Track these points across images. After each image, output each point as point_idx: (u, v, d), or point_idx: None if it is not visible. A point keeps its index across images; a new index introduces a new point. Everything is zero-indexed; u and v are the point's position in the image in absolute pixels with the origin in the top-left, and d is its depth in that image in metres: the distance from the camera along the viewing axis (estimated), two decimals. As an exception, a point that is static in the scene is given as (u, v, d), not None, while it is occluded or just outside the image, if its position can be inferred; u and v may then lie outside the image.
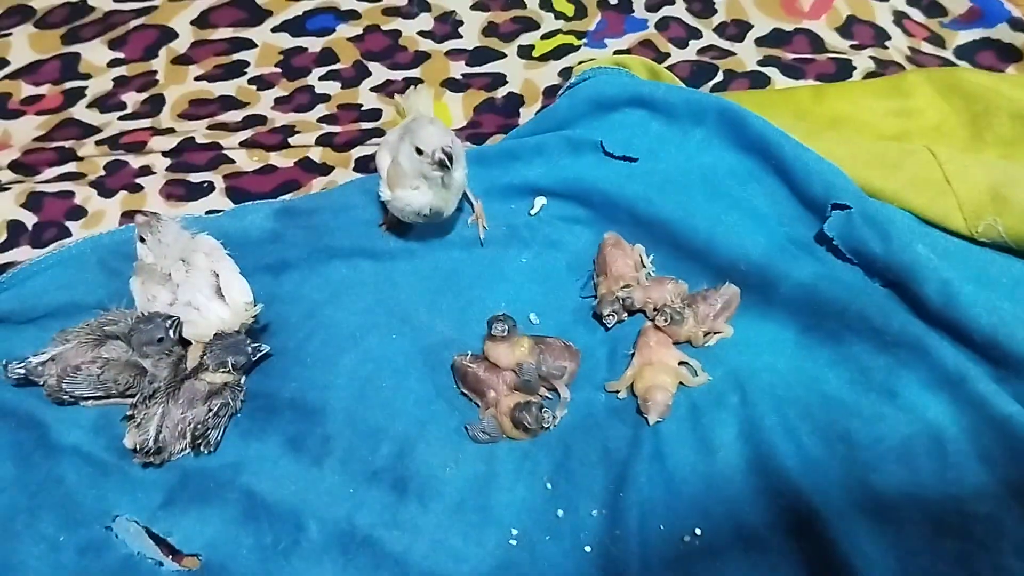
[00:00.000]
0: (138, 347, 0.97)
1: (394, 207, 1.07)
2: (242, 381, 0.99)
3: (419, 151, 1.01)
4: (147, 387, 0.97)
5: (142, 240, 1.01)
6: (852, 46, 1.41)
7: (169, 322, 0.97)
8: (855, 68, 1.36)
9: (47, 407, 0.98)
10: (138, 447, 0.92)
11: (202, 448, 0.95)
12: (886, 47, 1.40)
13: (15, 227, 1.18)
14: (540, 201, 1.18)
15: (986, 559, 0.84)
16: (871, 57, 1.37)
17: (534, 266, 1.12)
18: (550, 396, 1.00)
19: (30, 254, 1.15)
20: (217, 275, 1.00)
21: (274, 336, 1.04)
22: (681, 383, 0.99)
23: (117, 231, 1.15)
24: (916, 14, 1.44)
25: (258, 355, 0.99)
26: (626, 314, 1.05)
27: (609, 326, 1.05)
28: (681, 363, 1.00)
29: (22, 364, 0.96)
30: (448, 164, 1.00)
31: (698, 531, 0.88)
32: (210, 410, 0.95)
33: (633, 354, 1.01)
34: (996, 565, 0.83)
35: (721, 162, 1.17)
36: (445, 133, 1.03)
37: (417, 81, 1.37)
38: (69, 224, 1.19)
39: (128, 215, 1.19)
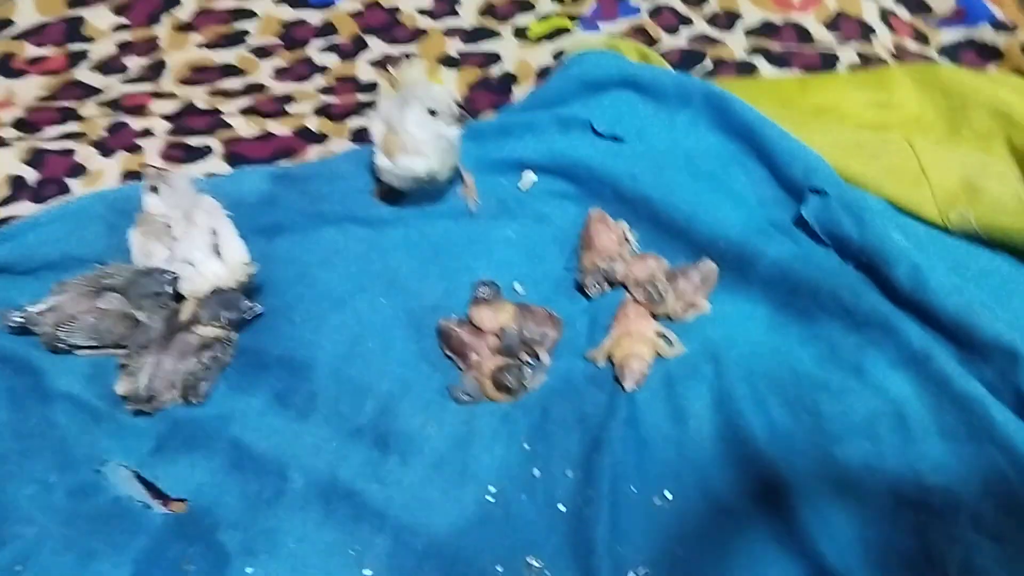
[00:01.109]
0: (135, 299, 0.99)
1: (392, 174, 1.09)
2: (233, 336, 1.01)
3: (433, 112, 1.03)
4: (140, 337, 0.99)
5: (153, 190, 1.03)
6: (838, 40, 1.43)
7: (167, 276, 1.00)
8: (840, 61, 1.38)
9: (43, 355, 1.00)
10: (129, 395, 0.94)
11: (192, 398, 0.97)
12: (871, 42, 1.43)
13: (17, 183, 1.20)
14: (529, 176, 1.20)
15: (942, 529, 0.86)
16: (856, 52, 1.40)
17: (521, 238, 1.14)
18: (531, 362, 1.02)
19: (31, 209, 1.16)
20: (215, 234, 1.02)
21: (266, 296, 1.06)
22: (657, 353, 1.01)
23: (120, 188, 1.17)
24: (902, 11, 1.47)
25: (252, 314, 1.02)
26: (608, 285, 1.07)
27: (591, 296, 1.07)
28: (658, 334, 1.02)
29: (20, 313, 0.99)
30: (469, 113, 1.03)
31: (668, 494, 0.90)
32: (201, 362, 0.97)
33: (612, 325, 1.04)
34: (951, 536, 0.85)
35: (705, 144, 1.20)
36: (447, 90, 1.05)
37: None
38: (69, 181, 1.20)
39: (129, 175, 1.21)
